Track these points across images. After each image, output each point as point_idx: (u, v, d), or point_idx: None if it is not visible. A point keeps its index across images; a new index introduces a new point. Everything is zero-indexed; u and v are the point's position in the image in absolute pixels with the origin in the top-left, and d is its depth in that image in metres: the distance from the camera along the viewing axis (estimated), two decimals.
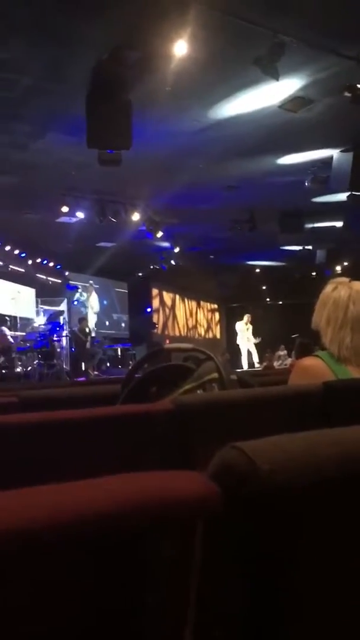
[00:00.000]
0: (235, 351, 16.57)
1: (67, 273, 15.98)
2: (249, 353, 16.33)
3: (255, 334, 16.86)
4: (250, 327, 16.44)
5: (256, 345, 16.81)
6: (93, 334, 15.50)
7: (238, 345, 16.42)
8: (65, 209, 10.40)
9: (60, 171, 8.94)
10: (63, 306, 15.60)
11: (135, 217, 11.24)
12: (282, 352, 17.04)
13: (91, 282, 16.32)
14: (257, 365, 15.44)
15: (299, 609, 0.50)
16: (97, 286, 16.63)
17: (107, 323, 17.31)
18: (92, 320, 16.34)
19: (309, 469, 0.52)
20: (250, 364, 16.01)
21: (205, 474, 0.53)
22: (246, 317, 16.57)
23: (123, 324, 18.19)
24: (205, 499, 0.48)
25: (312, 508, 0.51)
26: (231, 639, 0.49)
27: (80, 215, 10.85)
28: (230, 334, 18.50)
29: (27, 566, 0.42)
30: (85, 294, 16.33)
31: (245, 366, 15.47)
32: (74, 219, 11.03)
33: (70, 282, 15.99)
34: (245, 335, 16.38)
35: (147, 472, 0.50)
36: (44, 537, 0.41)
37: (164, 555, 0.48)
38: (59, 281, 16.03)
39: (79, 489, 0.46)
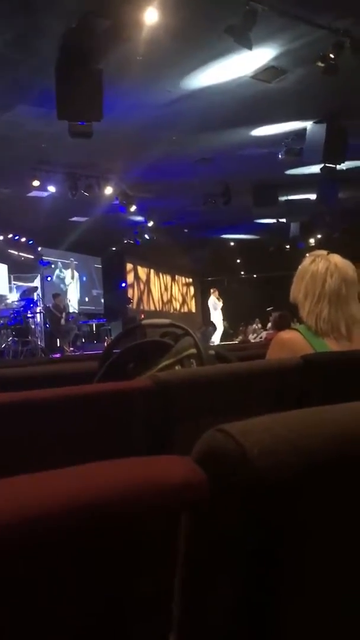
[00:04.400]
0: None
1: (39, 248, 15.77)
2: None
3: (229, 307, 16.85)
4: (221, 300, 16.36)
5: (227, 318, 16.81)
6: (76, 310, 15.44)
7: (213, 322, 16.35)
8: (36, 183, 10.21)
9: (30, 144, 8.74)
10: (36, 282, 15.43)
11: (108, 190, 11.09)
12: (257, 326, 17.13)
13: (72, 259, 16.19)
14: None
15: (294, 602, 0.48)
16: (77, 262, 16.52)
17: (86, 299, 17.21)
18: (74, 297, 16.26)
19: (299, 451, 0.50)
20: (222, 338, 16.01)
21: (188, 457, 0.51)
22: (215, 292, 16.47)
23: (102, 300, 18.10)
24: (191, 486, 0.45)
25: (304, 492, 0.49)
26: (220, 631, 0.48)
27: (51, 189, 10.67)
28: (205, 307, 18.48)
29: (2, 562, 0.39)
30: (65, 271, 16.20)
31: (217, 341, 15.49)
32: (45, 194, 10.85)
33: (44, 257, 15.81)
34: (219, 309, 16.32)
35: (129, 457, 0.48)
36: (17, 532, 0.39)
37: (149, 546, 0.46)
38: (32, 257, 15.82)
39: (55, 479, 0.44)
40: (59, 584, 0.45)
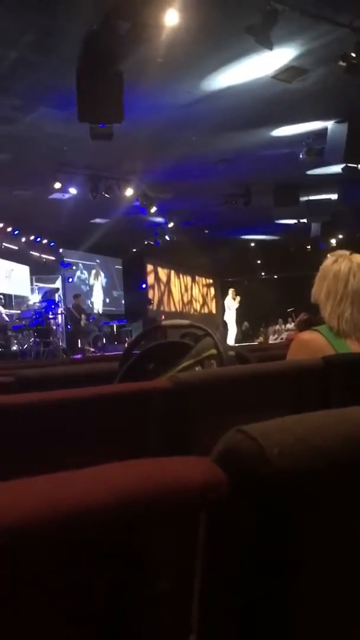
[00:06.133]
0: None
1: (61, 250, 15.88)
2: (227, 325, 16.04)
3: (250, 307, 16.72)
4: (237, 300, 16.18)
5: (248, 319, 16.64)
6: (100, 312, 15.52)
7: (225, 321, 16.19)
8: (57, 185, 10.28)
9: (51, 146, 8.81)
10: (58, 283, 15.54)
11: (129, 192, 11.13)
12: (281, 327, 16.99)
13: (97, 260, 16.31)
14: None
15: (314, 602, 0.48)
16: (100, 263, 16.65)
17: (107, 300, 17.30)
18: (98, 299, 16.38)
19: (318, 452, 0.49)
20: (238, 340, 15.84)
21: (208, 457, 0.51)
22: (231, 292, 16.32)
23: (123, 301, 18.17)
24: (211, 486, 0.45)
25: (323, 493, 0.49)
26: (237, 630, 0.47)
27: (73, 191, 10.73)
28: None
29: (24, 561, 0.39)
30: (85, 272, 16.31)
31: (232, 343, 15.37)
32: (66, 195, 10.92)
33: (65, 259, 15.92)
34: (233, 309, 16.14)
35: (149, 458, 0.48)
36: (39, 531, 0.39)
37: (168, 546, 0.46)
38: (53, 258, 15.94)
39: (75, 479, 0.44)
40: (79, 585, 0.45)
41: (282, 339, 13.81)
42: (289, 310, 16.37)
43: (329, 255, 2.11)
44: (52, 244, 15.60)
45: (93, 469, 0.44)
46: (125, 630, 0.45)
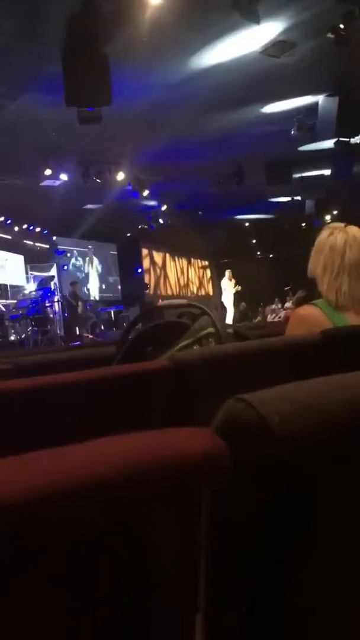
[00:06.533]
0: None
1: (54, 238, 15.80)
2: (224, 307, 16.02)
3: (246, 288, 16.68)
4: (234, 282, 16.16)
5: (245, 299, 16.61)
6: (97, 298, 15.48)
7: (223, 302, 16.17)
8: (48, 171, 10.20)
9: (40, 133, 8.71)
10: (53, 271, 15.49)
11: (120, 176, 11.05)
12: (277, 306, 16.98)
13: (90, 246, 16.22)
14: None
15: (319, 577, 0.47)
16: (93, 249, 16.56)
17: (103, 286, 17.25)
18: (94, 285, 16.32)
19: (319, 418, 0.48)
20: (236, 320, 15.85)
21: (208, 429, 0.49)
22: (227, 273, 16.28)
23: (119, 287, 18.12)
24: (211, 457, 0.44)
25: (326, 459, 0.47)
26: (245, 610, 0.46)
27: (64, 177, 10.65)
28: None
29: (20, 540, 0.38)
30: (80, 259, 16.24)
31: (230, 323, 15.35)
32: (57, 182, 10.83)
33: (59, 246, 15.84)
34: (231, 291, 16.13)
35: (147, 430, 0.46)
36: (35, 509, 0.38)
37: (169, 521, 0.45)
38: (47, 246, 15.86)
39: (71, 453, 0.42)
40: (80, 564, 0.44)
41: (279, 317, 13.81)
42: (286, 288, 16.36)
43: (324, 228, 2.09)
44: (45, 232, 15.52)
45: (87, 444, 0.43)
46: (131, 611, 0.44)
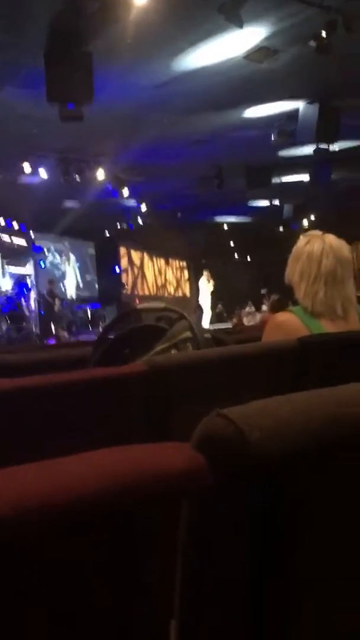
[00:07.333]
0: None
1: (32, 235, 15.66)
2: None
3: (224, 290, 16.76)
4: (212, 282, 16.26)
5: (222, 300, 16.69)
6: (74, 296, 15.38)
7: (199, 304, 16.25)
8: (27, 168, 10.10)
9: (20, 128, 8.62)
10: (29, 268, 15.34)
11: (100, 175, 10.99)
12: (251, 309, 17.07)
13: (66, 243, 16.10)
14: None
15: (300, 587, 0.48)
16: (71, 247, 16.46)
17: (80, 285, 17.15)
18: (71, 283, 16.22)
19: (298, 434, 0.49)
20: (212, 322, 15.92)
21: (188, 443, 0.50)
22: (205, 274, 16.37)
23: (97, 285, 18.04)
24: (191, 473, 0.44)
25: (305, 475, 0.48)
26: (224, 620, 0.47)
27: (43, 174, 10.57)
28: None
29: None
30: (58, 256, 16.12)
31: (207, 325, 15.42)
32: (37, 179, 10.74)
33: (36, 242, 15.71)
34: (208, 292, 16.22)
35: (129, 445, 0.46)
36: (16, 524, 0.37)
37: (150, 534, 0.45)
38: (24, 243, 15.70)
39: (54, 468, 0.42)
40: (59, 572, 0.44)
41: (256, 321, 13.88)
42: (262, 292, 16.45)
43: (301, 236, 2.11)
44: (23, 228, 15.37)
45: (70, 458, 0.42)
46: (110, 619, 0.44)
